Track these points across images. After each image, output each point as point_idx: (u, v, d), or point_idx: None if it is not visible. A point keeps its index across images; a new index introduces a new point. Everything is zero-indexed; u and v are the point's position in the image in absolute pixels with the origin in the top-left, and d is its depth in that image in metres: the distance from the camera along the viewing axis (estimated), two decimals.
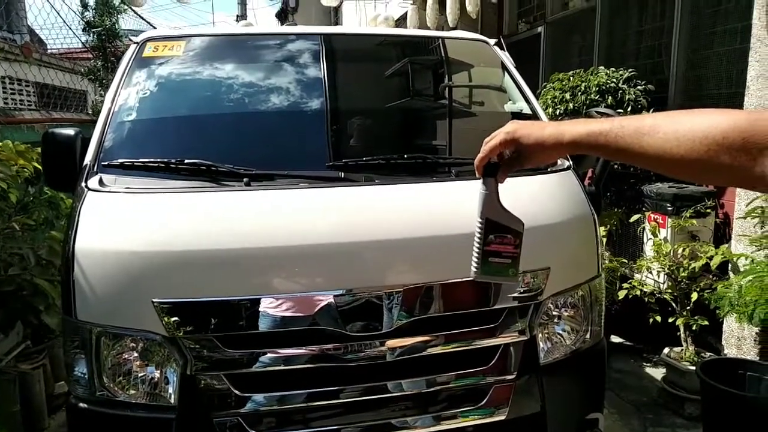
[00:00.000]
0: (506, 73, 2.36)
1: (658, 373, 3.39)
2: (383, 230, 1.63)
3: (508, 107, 2.29)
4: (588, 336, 1.93)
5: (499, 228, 1.02)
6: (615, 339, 3.82)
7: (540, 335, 1.82)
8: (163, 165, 1.73)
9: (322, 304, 1.59)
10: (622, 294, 3.21)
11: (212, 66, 2.19)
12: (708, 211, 3.11)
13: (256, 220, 1.60)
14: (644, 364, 3.58)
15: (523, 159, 0.96)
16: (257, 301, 1.54)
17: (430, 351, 1.70)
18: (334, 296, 1.58)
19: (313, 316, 1.59)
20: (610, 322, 3.40)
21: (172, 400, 1.51)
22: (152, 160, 1.74)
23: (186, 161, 1.72)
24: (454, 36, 2.63)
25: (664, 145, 0.74)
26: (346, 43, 2.48)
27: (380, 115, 2.26)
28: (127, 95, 2.01)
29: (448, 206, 1.77)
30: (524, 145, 0.93)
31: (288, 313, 1.57)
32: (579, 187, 1.97)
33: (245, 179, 1.70)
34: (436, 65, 2.59)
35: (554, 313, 1.88)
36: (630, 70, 3.65)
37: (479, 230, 1.02)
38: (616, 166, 3.58)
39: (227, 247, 1.53)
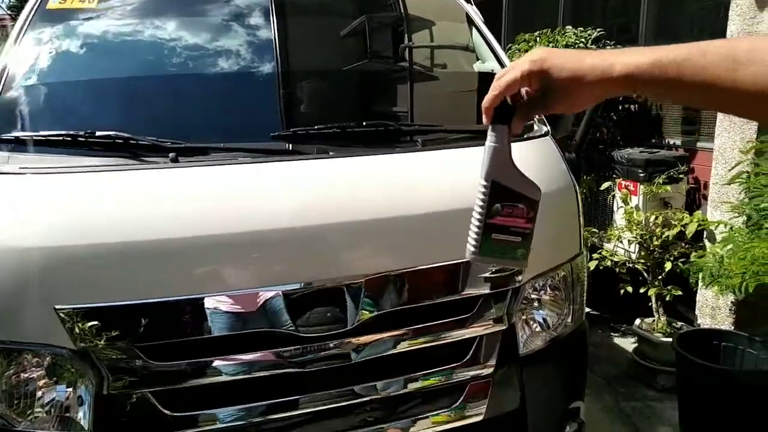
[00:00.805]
0: (474, 29, 2.11)
1: (628, 344, 3.30)
2: (339, 212, 1.38)
3: (478, 67, 2.04)
4: (570, 320, 1.75)
5: (508, 195, 0.76)
6: (586, 309, 3.72)
7: (519, 323, 1.63)
8: (69, 139, 1.41)
9: (268, 301, 1.34)
10: (592, 265, 3.08)
11: (134, 20, 1.84)
12: (681, 176, 2.98)
13: (184, 204, 1.33)
14: (613, 335, 3.49)
15: (550, 100, 0.71)
16: (188, 303, 1.28)
17: (398, 348, 1.48)
18: (282, 292, 1.34)
19: (258, 317, 1.34)
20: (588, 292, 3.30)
21: (86, 425, 1.24)
22: (56, 133, 1.43)
23: (98, 133, 1.41)
24: None
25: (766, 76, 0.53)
26: None
27: (334, 78, 1.97)
28: (25, 55, 1.66)
29: (414, 181, 1.53)
30: (555, 80, 0.68)
31: (227, 315, 1.31)
32: (559, 155, 1.76)
33: (171, 154, 1.41)
34: (395, 22, 2.31)
35: (534, 297, 1.69)
36: (598, 29, 3.45)
37: (482, 197, 0.76)
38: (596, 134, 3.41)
39: (147, 238, 1.25)
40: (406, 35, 2.23)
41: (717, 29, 2.76)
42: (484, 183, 0.76)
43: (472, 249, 0.78)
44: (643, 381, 2.97)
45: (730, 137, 2.57)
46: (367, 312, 1.42)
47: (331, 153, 1.54)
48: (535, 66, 0.69)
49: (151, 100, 1.65)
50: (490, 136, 0.75)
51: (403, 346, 1.49)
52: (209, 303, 1.29)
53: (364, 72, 2.05)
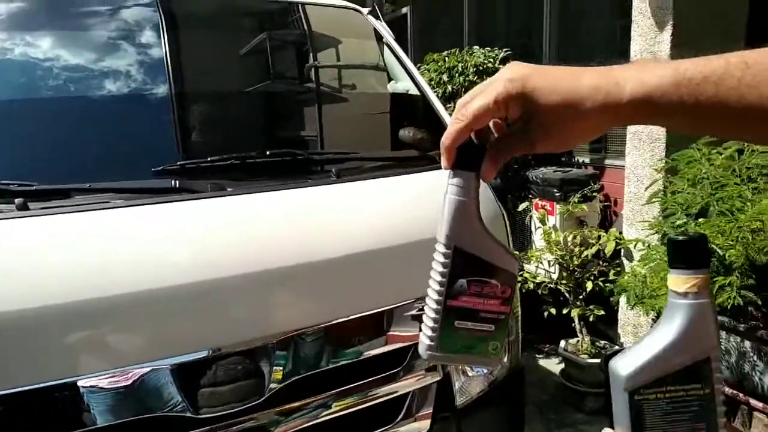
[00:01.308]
0: (386, 47, 1.95)
1: (555, 366, 3.25)
2: (237, 262, 1.14)
3: (391, 87, 1.88)
4: (505, 359, 1.61)
5: (477, 267, 0.55)
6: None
7: (454, 371, 1.46)
8: None
9: (151, 378, 1.07)
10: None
11: None
12: (594, 194, 3.00)
13: (31, 264, 1.03)
14: (538, 357, 3.44)
15: (534, 134, 0.51)
16: (53, 390, 0.98)
17: (321, 416, 1.25)
18: (168, 367, 1.07)
19: (137, 401, 1.06)
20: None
21: None
22: None
23: None
24: (320, 3, 2.16)
25: None
26: (184, 7, 1.89)
27: (232, 102, 1.72)
28: None
29: (329, 218, 1.32)
30: (542, 107, 0.49)
31: (95, 403, 1.02)
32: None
33: (18, 200, 1.11)
34: (299, 39, 2.10)
35: None
36: (505, 49, 3.45)
37: (441, 269, 0.55)
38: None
39: None
40: (311, 54, 2.03)
41: (621, 49, 2.82)
42: (444, 250, 0.55)
43: (428, 343, 0.56)
44: (571, 404, 2.91)
45: (640, 155, 2.59)
46: (280, 379, 1.19)
47: (229, 189, 1.30)
48: (514, 87, 0.49)
49: (4, 132, 1.32)
50: (452, 186, 0.54)
51: (326, 413, 1.26)
52: (82, 387, 1.00)
53: (265, 94, 1.82)
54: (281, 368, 1.20)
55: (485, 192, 1.59)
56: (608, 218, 3.27)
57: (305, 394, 1.24)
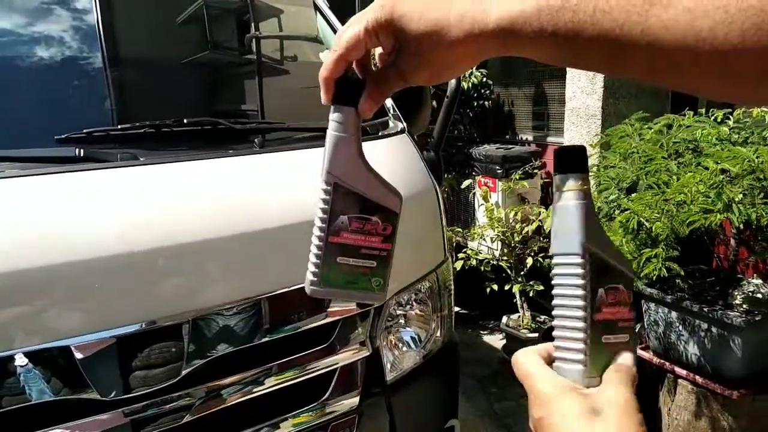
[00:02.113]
0: (319, 14, 1.88)
1: (497, 342, 3.31)
2: (146, 235, 1.07)
3: (323, 56, 1.81)
4: (439, 334, 1.60)
5: (357, 203, 0.55)
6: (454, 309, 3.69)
7: (384, 345, 1.44)
8: None
9: (53, 361, 1.00)
10: (458, 265, 3.02)
11: None
12: (535, 171, 3.03)
13: None
14: (482, 333, 3.49)
15: (406, 65, 0.48)
16: None
17: (245, 394, 1.21)
18: (74, 346, 1.01)
19: (44, 382, 0.99)
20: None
21: None
22: None
23: None
24: None
25: (693, 22, 0.35)
26: None
27: (151, 69, 1.62)
28: None
29: (250, 190, 1.26)
30: (410, 35, 0.46)
31: (24, 380, 0.95)
32: (417, 154, 1.59)
33: None
34: (230, 6, 2.00)
35: (399, 314, 1.50)
36: None
37: (323, 206, 0.54)
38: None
39: None
40: (241, 21, 1.93)
41: None
42: (325, 186, 0.54)
43: (312, 278, 0.55)
44: (514, 379, 2.96)
45: (578, 131, 2.62)
46: (198, 358, 1.14)
47: (141, 159, 1.22)
48: (382, 13, 0.47)
49: None
50: (332, 122, 0.53)
51: (253, 390, 1.22)
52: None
53: (189, 62, 1.72)
54: (196, 349, 1.14)
55: (416, 164, 1.56)
56: (550, 195, 3.32)
57: (230, 372, 1.20)
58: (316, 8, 1.91)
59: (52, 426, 1.02)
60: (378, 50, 0.51)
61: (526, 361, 0.51)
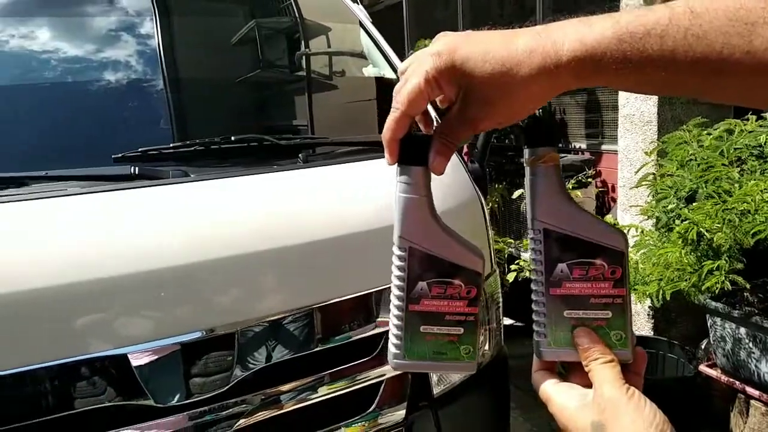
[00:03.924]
0: (363, 32, 1.91)
1: None
2: (196, 250, 1.11)
3: (368, 72, 1.84)
4: (487, 347, 1.57)
5: (436, 267, 0.51)
6: (507, 321, 3.62)
7: None
8: None
9: (111, 369, 1.05)
10: (511, 277, 2.96)
11: None
12: (589, 180, 2.94)
13: None
14: None
15: (474, 111, 0.45)
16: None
17: (289, 405, 1.23)
18: (131, 354, 1.05)
19: (99, 390, 1.04)
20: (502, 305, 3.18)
21: None
22: None
23: None
24: None
25: None
26: None
27: (200, 89, 1.69)
28: None
29: (293, 204, 1.29)
30: (476, 79, 0.44)
31: (55, 393, 1.01)
32: (460, 165, 1.58)
33: None
34: (276, 25, 2.07)
35: None
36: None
37: (398, 273, 0.51)
38: (493, 139, 3.33)
39: None
40: (286, 39, 1.99)
41: None
42: (399, 252, 0.51)
43: (395, 351, 0.52)
44: None
45: (633, 139, 2.53)
46: (250, 366, 1.16)
47: (192, 175, 1.27)
48: (441, 61, 0.44)
49: None
50: (400, 184, 0.50)
51: (298, 400, 1.23)
52: (48, 375, 0.99)
53: (236, 81, 1.79)
54: (249, 357, 1.17)
55: (461, 176, 1.55)
56: (606, 204, 3.22)
57: (280, 380, 1.22)
58: (361, 25, 1.94)
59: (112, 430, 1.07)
60: (439, 98, 0.48)
61: (541, 386, 0.52)
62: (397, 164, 0.50)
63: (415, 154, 0.49)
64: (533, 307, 0.51)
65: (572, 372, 0.51)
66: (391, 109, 0.47)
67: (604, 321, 0.50)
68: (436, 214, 0.51)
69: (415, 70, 0.46)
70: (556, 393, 0.50)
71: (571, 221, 0.50)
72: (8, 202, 1.11)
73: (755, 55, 0.35)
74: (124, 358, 1.05)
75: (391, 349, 0.52)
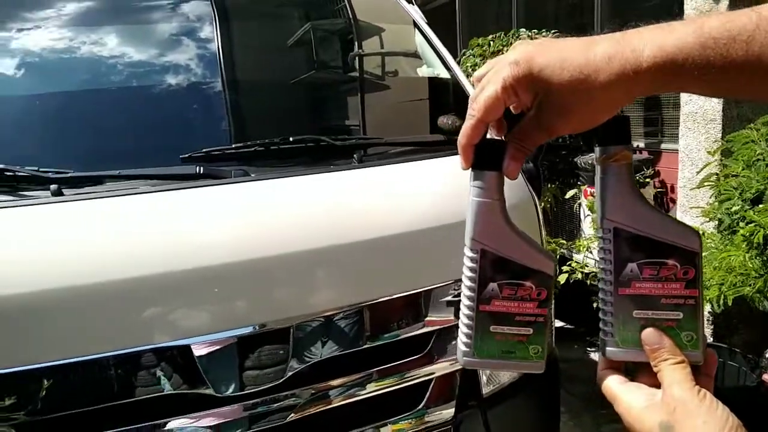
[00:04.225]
0: (417, 32, 1.93)
1: None
2: (255, 247, 1.16)
3: (422, 72, 1.86)
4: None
5: (508, 269, 0.53)
6: (557, 323, 3.56)
7: None
8: None
9: (174, 359, 1.11)
10: (562, 278, 2.91)
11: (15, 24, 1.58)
12: (647, 180, 2.86)
13: (64, 247, 1.09)
14: (589, 350, 3.32)
15: (550, 118, 0.47)
16: (70, 368, 1.04)
17: (342, 400, 1.27)
18: (193, 345, 1.11)
19: (161, 378, 1.11)
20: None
21: None
22: None
23: None
24: None
25: None
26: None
27: (260, 91, 1.76)
28: None
29: (349, 204, 1.33)
30: (553, 86, 0.45)
31: (120, 380, 1.08)
32: None
33: (53, 186, 1.17)
34: (330, 26, 2.11)
35: None
36: (553, 31, 3.33)
37: (470, 273, 0.53)
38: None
39: (13, 291, 1.01)
40: (341, 40, 2.03)
41: None
42: (471, 254, 0.53)
43: (464, 349, 0.54)
44: None
45: (695, 137, 2.44)
46: (301, 361, 1.21)
47: (252, 175, 1.33)
48: (520, 70, 0.45)
49: (35, 120, 1.40)
50: (474, 188, 0.52)
51: (347, 396, 1.27)
52: (92, 367, 1.06)
53: (293, 82, 1.84)
54: (302, 352, 1.21)
55: None
56: (665, 205, 3.11)
57: (327, 377, 1.26)
58: (415, 25, 1.96)
59: (171, 417, 1.13)
60: (513, 104, 0.49)
61: (607, 384, 0.51)
62: (471, 169, 0.51)
63: (489, 159, 0.51)
64: (600, 305, 0.52)
65: (639, 373, 0.51)
66: (467, 116, 0.49)
67: (674, 322, 0.50)
68: (508, 217, 0.52)
69: (491, 78, 0.47)
70: (622, 392, 0.49)
71: (642, 220, 0.50)
72: (86, 199, 1.19)
73: None
74: (186, 349, 1.11)
75: (461, 347, 0.54)
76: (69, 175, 1.21)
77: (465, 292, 0.53)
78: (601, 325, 0.52)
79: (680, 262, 0.49)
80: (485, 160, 0.50)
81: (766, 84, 0.40)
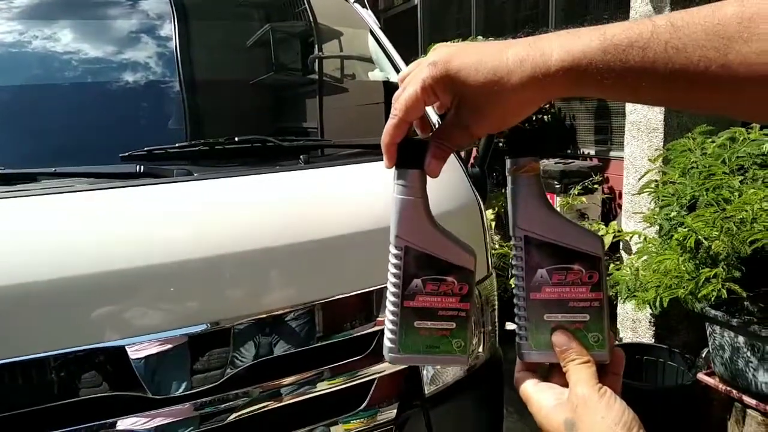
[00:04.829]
0: (370, 35, 1.94)
1: None
2: (193, 246, 1.15)
3: (373, 76, 1.87)
4: (481, 349, 1.59)
5: (430, 264, 0.54)
6: (510, 326, 3.62)
7: None
8: None
9: (102, 359, 1.09)
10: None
11: None
12: (595, 186, 2.95)
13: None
14: None
15: (467, 118, 0.48)
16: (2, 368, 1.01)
17: (284, 399, 1.26)
18: (129, 346, 1.09)
19: (94, 380, 1.08)
20: (504, 309, 3.18)
21: None
22: None
23: None
24: None
25: None
26: None
27: (205, 90, 1.74)
28: None
29: (294, 204, 1.33)
30: (469, 87, 0.46)
31: (52, 381, 1.05)
32: (460, 168, 1.60)
33: None
34: (283, 28, 2.11)
35: None
36: (510, 38, 3.41)
37: (394, 270, 0.54)
38: (500, 143, 3.33)
39: None
40: (293, 42, 2.03)
41: None
42: (395, 251, 0.54)
43: (390, 345, 0.55)
44: None
45: (639, 145, 2.53)
46: (242, 362, 1.20)
47: (195, 174, 1.31)
48: (437, 70, 0.47)
49: None
50: (398, 186, 0.53)
51: (289, 396, 1.27)
52: (45, 365, 1.03)
53: (238, 82, 1.83)
54: (244, 352, 1.21)
55: (459, 180, 1.57)
56: (613, 211, 3.21)
57: (272, 376, 1.25)
58: (370, 30, 1.97)
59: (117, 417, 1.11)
60: (434, 105, 0.51)
61: (522, 386, 0.54)
62: (394, 167, 0.53)
63: (412, 157, 0.52)
64: (515, 311, 0.53)
65: (553, 373, 0.53)
66: (390, 115, 0.50)
67: (582, 324, 0.52)
68: (431, 215, 0.54)
69: (412, 79, 0.49)
70: (534, 393, 0.52)
71: (550, 228, 0.52)
72: (19, 197, 1.16)
73: (730, 68, 0.37)
74: (121, 350, 1.09)
75: (387, 343, 0.55)
76: (1, 171, 1.18)
77: (390, 288, 0.54)
78: (516, 329, 0.54)
79: (585, 267, 0.51)
80: (408, 158, 0.52)
81: (661, 90, 0.41)
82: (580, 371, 0.49)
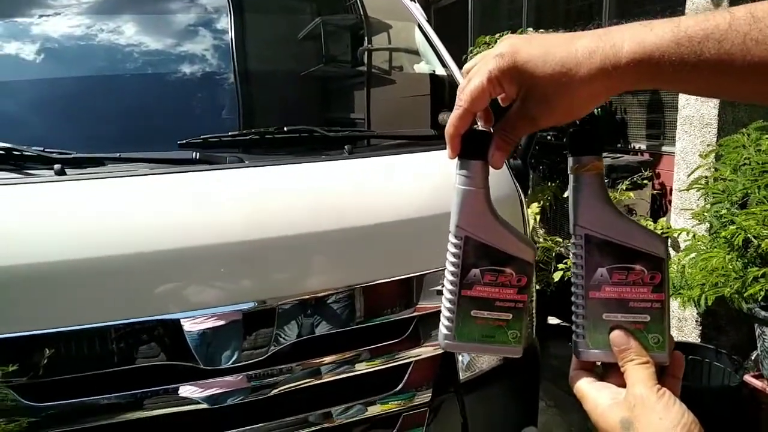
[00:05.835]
0: (418, 29, 1.98)
1: None
2: (243, 230, 1.22)
3: (419, 68, 1.91)
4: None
5: (490, 255, 0.54)
6: (552, 320, 3.59)
7: None
8: None
9: (158, 330, 1.18)
10: (557, 276, 2.95)
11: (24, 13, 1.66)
12: (645, 182, 2.88)
13: (64, 224, 1.16)
14: None
15: (534, 109, 0.48)
16: (70, 335, 1.11)
17: (321, 378, 1.33)
18: (182, 320, 1.18)
19: (151, 349, 1.18)
20: (547, 304, 3.16)
21: None
22: None
23: None
24: None
25: None
26: None
27: (260, 82, 1.82)
28: None
29: (339, 191, 1.38)
30: (537, 78, 0.46)
31: (113, 348, 1.15)
32: None
33: (57, 165, 1.25)
34: (330, 22, 2.17)
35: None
36: (561, 30, 3.35)
37: (453, 259, 0.55)
38: (548, 137, 3.30)
39: (16, 262, 1.09)
40: (340, 36, 2.08)
41: None
42: (455, 241, 0.54)
43: (445, 332, 0.55)
44: None
45: (691, 140, 2.47)
46: (284, 339, 1.27)
47: (246, 162, 1.39)
48: (504, 62, 0.46)
49: (43, 104, 1.48)
50: (460, 176, 0.53)
51: (328, 374, 1.33)
52: (87, 335, 1.13)
53: (291, 75, 1.90)
54: (288, 330, 1.28)
55: (501, 171, 1.59)
56: (663, 207, 3.13)
57: (310, 354, 1.32)
58: (417, 24, 2.01)
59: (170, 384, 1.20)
60: (500, 96, 0.51)
61: (578, 384, 0.54)
62: (457, 158, 0.53)
63: (475, 148, 0.52)
64: (573, 309, 0.54)
65: (609, 373, 0.53)
66: (455, 106, 0.50)
67: (642, 324, 0.51)
68: (492, 206, 0.54)
69: (478, 70, 0.49)
70: (590, 391, 0.52)
71: (612, 227, 0.52)
72: (87, 179, 1.26)
73: None
74: (177, 323, 1.18)
75: (442, 330, 0.55)
76: (72, 156, 1.28)
77: (448, 277, 0.55)
78: (573, 327, 0.54)
79: (647, 267, 0.51)
80: (471, 149, 0.52)
81: (738, 83, 0.41)
82: (638, 371, 0.49)
